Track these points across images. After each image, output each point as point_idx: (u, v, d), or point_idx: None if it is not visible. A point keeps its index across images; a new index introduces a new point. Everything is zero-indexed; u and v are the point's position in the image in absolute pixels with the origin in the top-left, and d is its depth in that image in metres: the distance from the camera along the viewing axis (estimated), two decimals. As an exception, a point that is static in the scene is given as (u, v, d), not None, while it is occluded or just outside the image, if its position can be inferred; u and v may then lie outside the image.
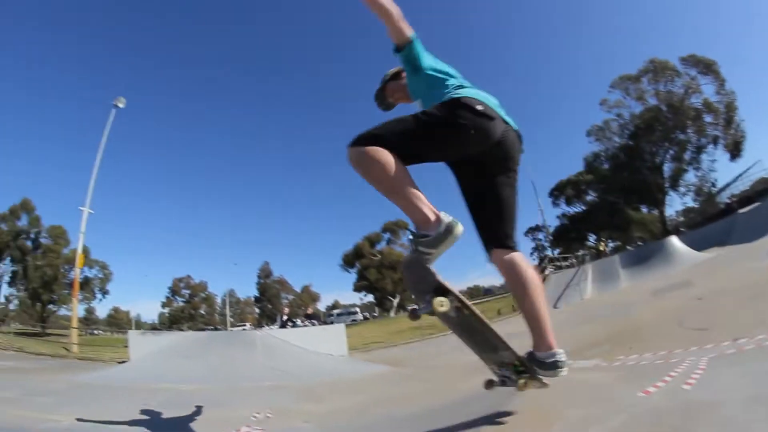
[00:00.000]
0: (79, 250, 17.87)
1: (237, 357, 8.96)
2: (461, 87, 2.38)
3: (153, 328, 64.61)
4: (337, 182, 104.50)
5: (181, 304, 73.34)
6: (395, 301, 63.91)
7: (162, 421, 4.56)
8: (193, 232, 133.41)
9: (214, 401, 5.55)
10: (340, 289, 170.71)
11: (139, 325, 72.54)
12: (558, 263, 30.05)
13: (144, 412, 4.99)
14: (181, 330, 54.48)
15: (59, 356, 14.01)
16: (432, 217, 2.07)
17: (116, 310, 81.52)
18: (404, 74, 2.75)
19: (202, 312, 74.10)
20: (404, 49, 2.44)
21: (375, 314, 65.00)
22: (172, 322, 70.56)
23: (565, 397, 3.01)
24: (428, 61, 2.50)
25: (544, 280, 23.07)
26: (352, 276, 67.02)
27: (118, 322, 77.19)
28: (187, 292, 73.74)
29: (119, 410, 5.12)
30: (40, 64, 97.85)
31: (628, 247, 42.37)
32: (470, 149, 2.27)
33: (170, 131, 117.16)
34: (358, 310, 57.98)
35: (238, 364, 8.41)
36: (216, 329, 54.46)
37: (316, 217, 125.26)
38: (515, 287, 2.38)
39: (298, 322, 25.92)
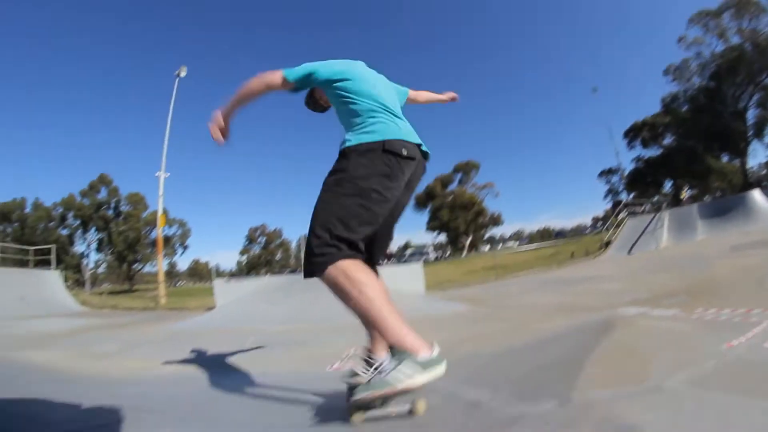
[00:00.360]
0: (160, 212, 18.94)
1: (319, 298, 9.24)
2: (374, 117, 2.13)
3: (231, 275, 68.70)
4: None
5: (258, 251, 76.77)
6: (467, 241, 64.25)
7: (255, 360, 4.68)
8: (268, 182, 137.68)
9: (301, 341, 5.73)
10: (411, 229, 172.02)
11: (219, 273, 77.76)
12: (633, 208, 28.73)
13: (237, 352, 5.14)
14: (260, 275, 57.67)
15: (149, 309, 15.09)
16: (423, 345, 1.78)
17: (196, 262, 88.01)
18: None
19: (278, 258, 77.32)
20: (294, 88, 2.27)
21: (447, 254, 65.87)
22: (249, 268, 74.66)
23: (652, 342, 3.07)
24: (323, 75, 2.23)
25: (619, 225, 22.22)
26: (424, 216, 67.61)
27: (199, 273, 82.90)
28: (263, 239, 77.09)
29: (214, 353, 5.33)
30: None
31: (706, 198, 39.85)
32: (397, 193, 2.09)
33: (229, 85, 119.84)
34: (430, 249, 58.19)
35: (321, 305, 8.59)
36: (294, 272, 56.86)
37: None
38: None
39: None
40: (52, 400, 3.06)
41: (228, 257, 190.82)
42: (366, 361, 2.01)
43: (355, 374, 2.03)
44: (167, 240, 50.31)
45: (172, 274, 65.74)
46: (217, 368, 4.28)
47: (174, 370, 4.40)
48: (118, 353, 5.75)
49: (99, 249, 50.61)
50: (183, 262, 78.73)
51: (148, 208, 49.62)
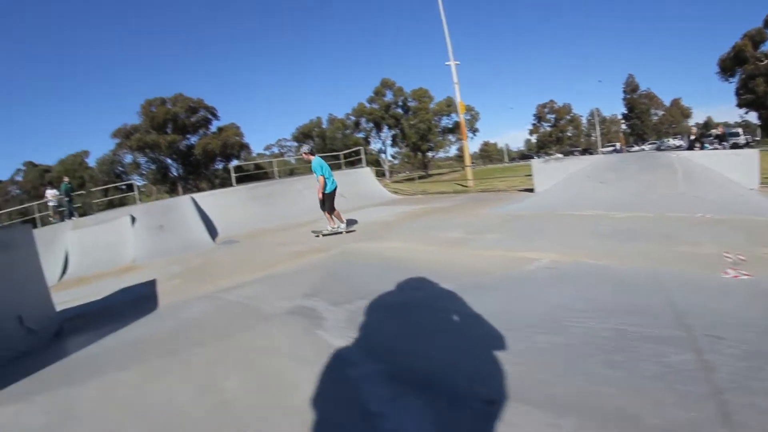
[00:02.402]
0: (458, 99, 19.31)
1: (656, 183, 7.90)
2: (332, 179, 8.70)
3: (522, 155, 69.18)
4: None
5: (548, 129, 74.50)
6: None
7: (621, 248, 4.37)
8: (553, 57, 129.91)
9: (659, 232, 4.99)
10: (713, 102, 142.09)
11: (509, 154, 79.14)
12: None
13: (595, 236, 4.97)
14: (549, 154, 56.33)
15: (459, 192, 15.85)
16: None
17: (486, 143, 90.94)
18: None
19: (569, 134, 73.77)
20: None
21: (757, 138, 47.51)
22: (539, 147, 73.81)
23: None
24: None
25: None
26: (731, 86, 50.05)
27: (489, 154, 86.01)
28: (552, 116, 74.13)
29: (565, 236, 5.23)
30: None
31: None
32: None
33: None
34: (740, 131, 42.01)
35: (659, 190, 7.34)
36: (587, 151, 53.66)
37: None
38: None
39: (707, 145, 21.46)
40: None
41: (516, 136, 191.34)
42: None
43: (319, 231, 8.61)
44: (457, 126, 52.87)
45: (462, 157, 69.23)
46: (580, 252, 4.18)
47: (549, 263, 4.19)
48: (468, 240, 5.86)
49: (393, 143, 56.88)
50: (472, 146, 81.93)
51: (433, 99, 52.60)
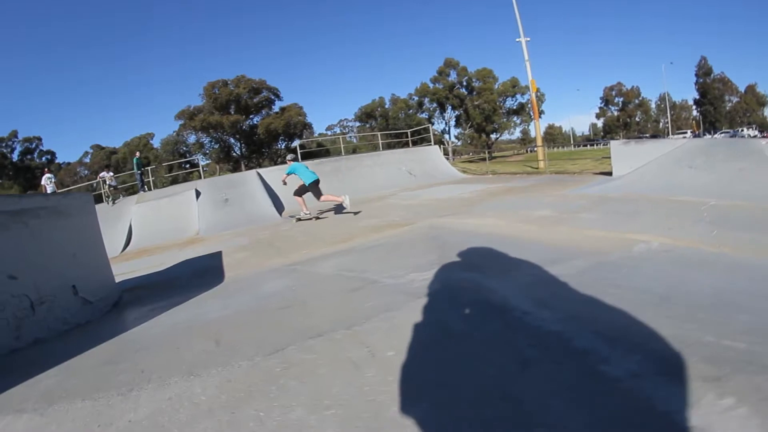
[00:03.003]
0: (530, 76, 18.29)
1: (746, 169, 7.13)
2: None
3: (587, 139, 65.91)
4: None
5: (615, 113, 70.61)
6: None
7: (733, 237, 3.93)
8: (622, 37, 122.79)
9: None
10: None
11: (573, 138, 75.70)
12: None
13: (699, 223, 4.61)
14: (614, 139, 53.28)
15: (530, 173, 15.01)
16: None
17: (550, 126, 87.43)
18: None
19: (637, 119, 69.56)
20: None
21: None
22: (605, 132, 70.01)
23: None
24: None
25: None
26: None
27: (554, 137, 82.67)
28: (620, 99, 70.08)
29: (667, 220, 4.87)
30: None
31: None
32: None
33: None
34: None
35: (751, 178, 6.62)
36: (655, 137, 50.51)
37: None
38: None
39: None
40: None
41: (581, 120, 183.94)
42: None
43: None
44: (521, 107, 50.82)
45: (525, 140, 66.84)
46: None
47: (658, 246, 3.83)
48: (564, 219, 5.56)
49: (457, 124, 55.26)
50: (534, 128, 79.38)
51: (497, 80, 50.73)
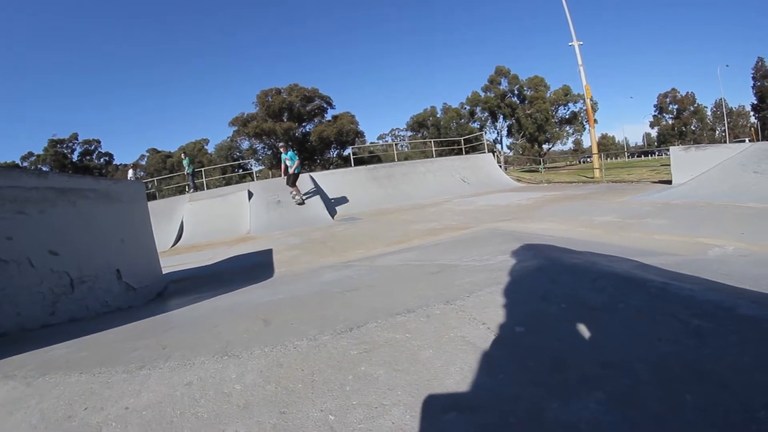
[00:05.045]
0: (584, 81, 17.70)
1: None
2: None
3: (641, 150, 63.29)
4: None
5: (669, 121, 67.46)
6: None
7: None
8: (676, 41, 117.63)
9: None
10: None
11: (627, 147, 72.86)
12: None
13: None
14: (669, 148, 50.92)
15: (586, 182, 14.32)
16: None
17: (603, 136, 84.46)
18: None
19: (693, 128, 66.17)
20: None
21: None
22: (660, 142, 66.81)
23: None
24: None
25: None
26: None
27: (606, 147, 79.98)
28: (675, 107, 66.90)
29: (738, 226, 4.61)
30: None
31: None
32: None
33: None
34: None
35: None
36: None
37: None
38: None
39: None
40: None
41: (635, 130, 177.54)
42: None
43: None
44: (574, 116, 49.34)
45: (578, 151, 64.79)
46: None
47: (734, 250, 3.58)
48: (631, 224, 5.30)
49: (509, 134, 54.12)
50: (588, 138, 77.17)
51: (549, 88, 49.46)
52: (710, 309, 1.56)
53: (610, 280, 2.02)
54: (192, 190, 16.07)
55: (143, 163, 57.65)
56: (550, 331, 1.61)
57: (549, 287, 2.07)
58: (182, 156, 17.94)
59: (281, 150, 12.60)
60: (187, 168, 16.69)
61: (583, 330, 1.58)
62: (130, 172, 19.12)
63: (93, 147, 55.38)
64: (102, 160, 55.99)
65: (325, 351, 1.64)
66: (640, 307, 1.69)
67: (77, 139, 54.03)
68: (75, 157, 53.65)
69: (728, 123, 61.88)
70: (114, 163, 56.60)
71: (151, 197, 14.38)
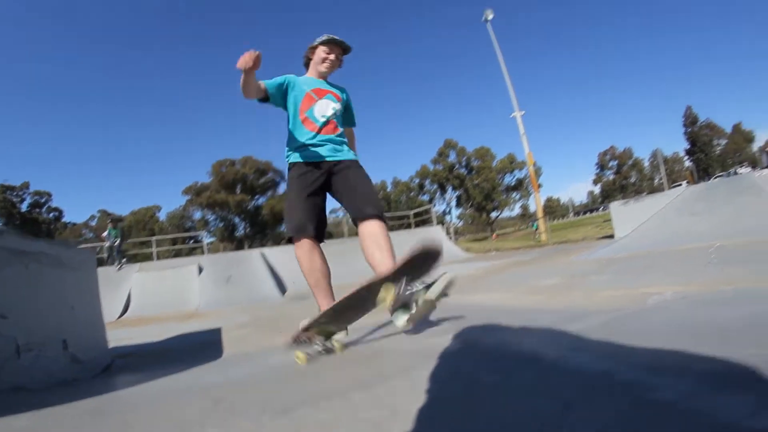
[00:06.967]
0: (527, 150, 18.86)
1: (747, 206, 7.50)
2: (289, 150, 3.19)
3: (586, 208, 66.58)
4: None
5: (611, 177, 71.83)
6: None
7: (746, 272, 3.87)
8: (611, 100, 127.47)
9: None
10: None
11: (572, 207, 76.49)
12: None
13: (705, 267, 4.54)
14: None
15: (533, 246, 14.98)
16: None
17: (549, 199, 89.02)
18: None
19: (632, 180, 70.68)
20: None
21: None
22: (603, 197, 70.92)
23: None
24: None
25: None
26: None
27: (552, 210, 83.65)
28: (614, 163, 71.64)
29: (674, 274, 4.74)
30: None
31: None
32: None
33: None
34: None
35: (752, 214, 6.94)
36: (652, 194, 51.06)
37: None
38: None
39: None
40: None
41: (578, 189, 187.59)
42: None
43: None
44: (519, 183, 51.84)
45: (525, 216, 67.69)
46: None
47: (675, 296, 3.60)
48: (575, 284, 5.33)
49: (458, 204, 56.14)
50: (533, 202, 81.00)
51: (495, 157, 52.17)
52: (589, 379, 1.80)
53: (510, 360, 2.26)
54: (117, 262, 14.46)
55: (93, 224, 55.69)
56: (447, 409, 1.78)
57: (456, 368, 2.27)
58: (109, 225, 16.61)
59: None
60: (112, 238, 15.47)
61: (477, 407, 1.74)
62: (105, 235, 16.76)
63: (44, 199, 53.52)
64: (51, 215, 53.86)
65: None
66: (527, 384, 1.91)
67: (28, 189, 52.10)
68: (24, 207, 51.35)
69: (665, 170, 66.94)
70: (63, 220, 54.48)
71: (100, 262, 13.66)
